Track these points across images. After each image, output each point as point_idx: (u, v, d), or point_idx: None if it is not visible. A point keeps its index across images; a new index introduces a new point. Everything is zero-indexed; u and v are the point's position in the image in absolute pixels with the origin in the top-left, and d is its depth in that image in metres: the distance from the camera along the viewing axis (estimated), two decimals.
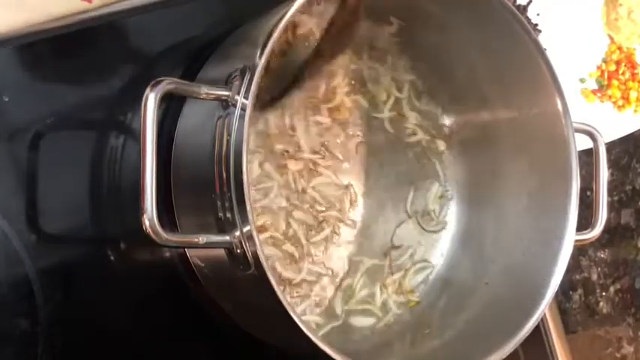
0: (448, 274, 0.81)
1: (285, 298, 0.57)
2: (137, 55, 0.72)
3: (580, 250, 0.98)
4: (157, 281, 0.72)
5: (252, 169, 0.73)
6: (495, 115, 0.79)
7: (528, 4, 0.93)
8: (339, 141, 0.79)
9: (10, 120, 0.67)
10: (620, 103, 0.96)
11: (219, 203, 0.59)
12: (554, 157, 0.73)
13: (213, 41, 0.73)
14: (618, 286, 0.97)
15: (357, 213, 0.80)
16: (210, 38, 0.74)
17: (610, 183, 0.94)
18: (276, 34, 0.58)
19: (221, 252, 0.61)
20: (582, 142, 0.76)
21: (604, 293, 0.98)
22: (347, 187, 0.79)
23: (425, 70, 0.81)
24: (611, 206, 0.97)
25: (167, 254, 0.71)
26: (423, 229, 0.82)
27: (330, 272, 0.77)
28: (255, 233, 0.56)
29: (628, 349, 0.95)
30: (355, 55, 0.79)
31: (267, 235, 0.73)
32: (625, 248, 0.97)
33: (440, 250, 0.83)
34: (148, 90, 0.56)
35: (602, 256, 0.98)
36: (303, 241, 0.75)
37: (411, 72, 0.81)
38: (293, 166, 0.75)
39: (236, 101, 0.58)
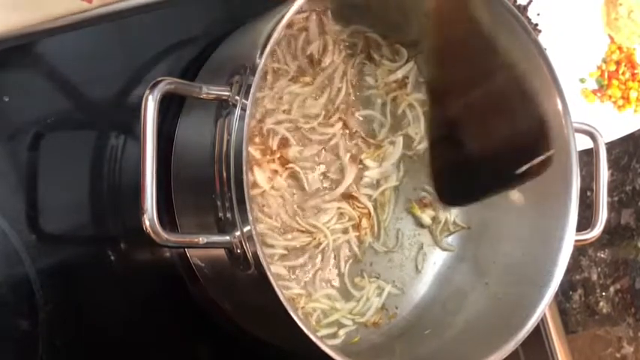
0: (448, 274, 0.81)
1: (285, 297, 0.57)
2: (137, 55, 0.72)
3: (580, 250, 0.98)
4: (157, 281, 0.72)
5: None
6: None
7: (528, 4, 0.93)
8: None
9: (10, 120, 0.67)
10: (620, 103, 0.95)
11: (219, 203, 0.59)
12: (555, 158, 0.73)
13: (213, 41, 0.73)
14: (618, 286, 0.97)
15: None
16: (210, 38, 0.74)
17: (610, 183, 0.94)
18: (275, 35, 0.58)
19: (221, 252, 0.61)
20: (582, 142, 0.76)
21: (604, 293, 0.98)
22: None
23: (425, 72, 0.82)
24: (611, 206, 0.97)
25: (167, 254, 0.71)
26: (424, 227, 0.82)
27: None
28: (255, 233, 0.56)
29: (628, 349, 0.95)
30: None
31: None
32: (625, 248, 0.97)
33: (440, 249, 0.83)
34: (147, 90, 0.56)
35: (602, 256, 0.98)
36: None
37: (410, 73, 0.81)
38: None
39: (236, 101, 0.58)
